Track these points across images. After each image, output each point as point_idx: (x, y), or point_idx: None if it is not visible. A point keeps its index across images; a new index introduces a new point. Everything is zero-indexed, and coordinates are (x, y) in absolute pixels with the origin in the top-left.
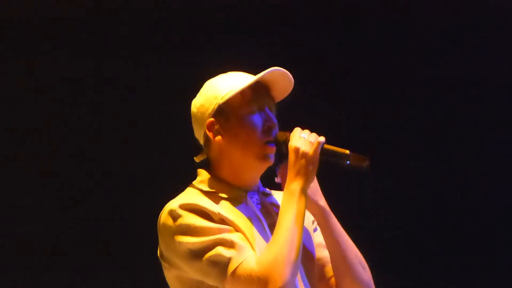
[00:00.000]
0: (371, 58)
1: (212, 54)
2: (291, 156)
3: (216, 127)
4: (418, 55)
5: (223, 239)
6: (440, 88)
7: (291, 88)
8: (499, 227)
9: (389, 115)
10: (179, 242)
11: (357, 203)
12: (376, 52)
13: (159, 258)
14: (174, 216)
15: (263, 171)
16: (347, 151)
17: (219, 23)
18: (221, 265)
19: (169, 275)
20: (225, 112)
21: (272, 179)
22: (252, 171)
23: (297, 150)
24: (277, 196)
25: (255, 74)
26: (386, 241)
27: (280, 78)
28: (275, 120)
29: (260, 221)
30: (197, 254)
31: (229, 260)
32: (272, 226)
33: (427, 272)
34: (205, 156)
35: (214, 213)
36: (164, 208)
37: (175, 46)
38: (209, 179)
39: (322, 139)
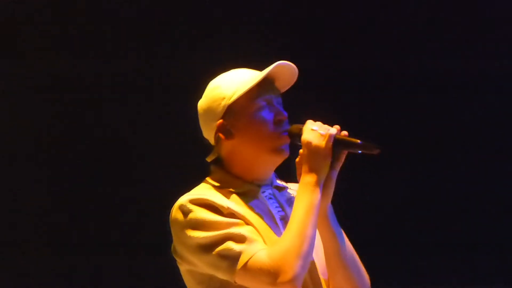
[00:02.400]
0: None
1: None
2: (304, 150)
3: (227, 128)
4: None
5: (233, 233)
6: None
7: (295, 78)
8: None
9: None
10: (189, 237)
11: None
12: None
13: (172, 253)
14: (184, 211)
15: (277, 164)
16: (358, 141)
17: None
18: (231, 258)
19: (182, 269)
20: (234, 111)
21: (290, 171)
22: (267, 166)
23: (309, 144)
24: (294, 187)
25: (254, 67)
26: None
27: (285, 70)
28: (285, 113)
29: (272, 215)
30: (207, 248)
31: (239, 253)
32: (283, 220)
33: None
34: (216, 155)
35: (224, 207)
36: (175, 203)
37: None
38: (222, 175)
39: (333, 130)
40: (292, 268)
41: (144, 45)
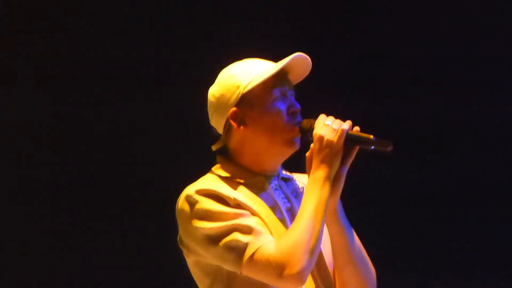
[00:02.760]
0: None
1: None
2: (316, 144)
3: (240, 116)
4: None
5: (239, 224)
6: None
7: (309, 71)
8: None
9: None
10: (196, 228)
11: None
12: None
13: (178, 244)
14: (190, 201)
15: (287, 156)
16: (371, 136)
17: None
18: (238, 250)
19: (189, 260)
20: (248, 101)
21: (297, 162)
22: (277, 157)
23: (321, 138)
24: (299, 178)
25: (267, 58)
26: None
27: (299, 62)
28: (298, 105)
29: (278, 206)
30: (214, 239)
31: (246, 245)
32: (290, 212)
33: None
34: (222, 145)
35: (230, 198)
36: (181, 193)
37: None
38: (228, 166)
39: (346, 126)
40: (300, 262)
41: (147, 34)
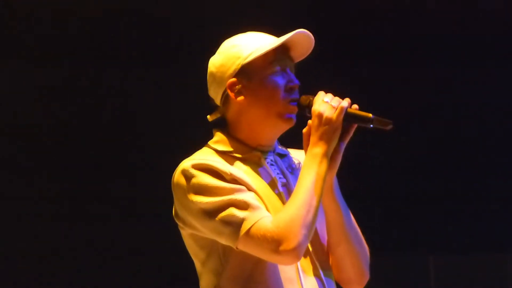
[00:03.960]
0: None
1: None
2: (314, 120)
3: (238, 87)
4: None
5: (236, 199)
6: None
7: (311, 49)
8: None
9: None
10: (192, 202)
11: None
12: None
13: (174, 217)
14: (187, 175)
15: (283, 131)
16: (370, 115)
17: None
18: (234, 225)
19: (184, 233)
20: (247, 72)
21: (292, 137)
22: (273, 131)
23: (320, 115)
24: (295, 154)
25: (273, 34)
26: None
27: (302, 39)
28: (297, 81)
29: (274, 181)
30: (210, 213)
31: (242, 220)
32: (285, 187)
33: None
34: (218, 115)
35: (226, 173)
36: (177, 167)
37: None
38: (225, 139)
39: (345, 103)
40: (297, 236)
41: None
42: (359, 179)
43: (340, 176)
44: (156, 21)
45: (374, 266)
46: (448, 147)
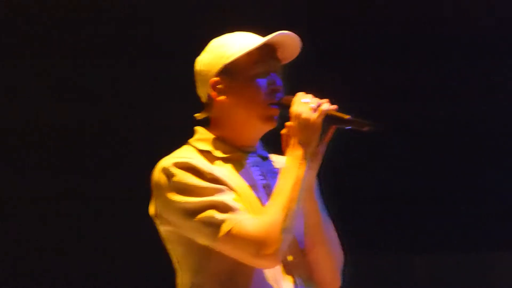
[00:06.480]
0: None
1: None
2: (293, 122)
3: (220, 86)
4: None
5: (216, 201)
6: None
7: (299, 51)
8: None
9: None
10: (172, 201)
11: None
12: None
13: (151, 214)
14: (167, 174)
15: (263, 133)
16: (348, 116)
17: None
18: (214, 226)
19: (162, 230)
20: (231, 72)
21: (274, 143)
22: (254, 132)
23: (298, 116)
24: (276, 159)
25: (262, 35)
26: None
27: (289, 41)
28: (280, 83)
29: (255, 182)
30: (190, 213)
31: (222, 222)
32: (266, 188)
33: None
34: (206, 114)
35: (207, 173)
36: (157, 164)
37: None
38: (207, 138)
39: (325, 105)
40: (277, 241)
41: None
42: (341, 178)
43: (320, 175)
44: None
45: (365, 266)
46: (431, 146)
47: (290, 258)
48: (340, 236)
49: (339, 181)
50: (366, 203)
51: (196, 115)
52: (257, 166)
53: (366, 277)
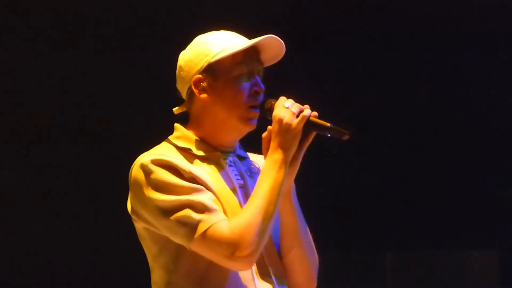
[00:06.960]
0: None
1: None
2: (275, 126)
3: (202, 84)
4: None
5: (193, 200)
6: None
7: (282, 55)
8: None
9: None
10: (149, 198)
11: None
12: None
13: (128, 210)
14: (145, 170)
15: (243, 134)
16: (328, 124)
17: None
18: (189, 226)
19: (138, 226)
20: (214, 71)
21: (251, 142)
22: (233, 133)
23: (280, 120)
24: (254, 158)
25: (246, 35)
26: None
27: (273, 44)
28: (262, 86)
29: (232, 182)
30: (166, 212)
31: (198, 222)
32: (242, 189)
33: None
34: (184, 109)
35: (185, 171)
36: (135, 161)
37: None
38: (186, 136)
39: (306, 111)
40: (251, 244)
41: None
42: (315, 178)
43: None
44: None
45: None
46: (409, 145)
47: (266, 259)
48: (339, 236)
49: (339, 181)
50: (366, 203)
51: (174, 109)
52: (234, 165)
53: (366, 277)
